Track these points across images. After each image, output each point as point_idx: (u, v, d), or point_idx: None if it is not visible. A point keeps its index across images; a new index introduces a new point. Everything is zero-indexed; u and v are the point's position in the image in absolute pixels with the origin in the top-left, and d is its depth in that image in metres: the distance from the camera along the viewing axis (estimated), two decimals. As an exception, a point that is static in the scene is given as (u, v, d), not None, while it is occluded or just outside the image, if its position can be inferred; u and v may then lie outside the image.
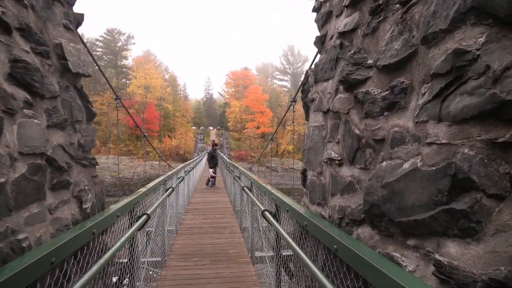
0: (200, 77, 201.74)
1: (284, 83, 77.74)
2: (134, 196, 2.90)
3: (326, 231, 1.60)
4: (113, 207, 2.43)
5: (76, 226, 1.96)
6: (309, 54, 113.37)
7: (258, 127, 52.94)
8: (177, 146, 47.55)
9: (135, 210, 2.84)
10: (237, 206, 8.53)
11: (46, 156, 2.25)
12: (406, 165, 1.33)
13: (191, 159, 24.45)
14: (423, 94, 1.27)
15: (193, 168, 11.18)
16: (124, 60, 61.12)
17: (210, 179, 12.74)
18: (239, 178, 7.05)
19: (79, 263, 1.94)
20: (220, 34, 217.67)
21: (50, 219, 2.28)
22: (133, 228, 2.60)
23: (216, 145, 14.31)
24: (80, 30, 3.14)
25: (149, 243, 4.03)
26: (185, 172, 8.31)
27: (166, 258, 4.64)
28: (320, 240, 1.73)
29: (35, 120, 2.13)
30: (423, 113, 1.27)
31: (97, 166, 3.02)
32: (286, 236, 2.17)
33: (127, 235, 2.35)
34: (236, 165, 8.15)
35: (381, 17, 1.57)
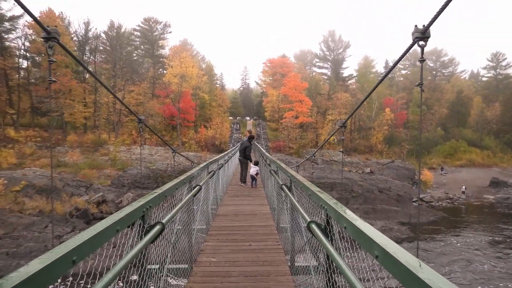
0: (237, 67, 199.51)
1: (324, 70, 73.56)
2: None
3: None
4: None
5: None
6: (351, 39, 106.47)
7: (296, 117, 49.69)
8: (212, 137, 45.88)
9: None
10: (282, 222, 5.87)
11: None
12: None
13: (226, 150, 21.88)
14: None
15: (223, 165, 8.59)
16: (161, 50, 60.41)
17: (255, 176, 10.98)
18: (288, 188, 4.35)
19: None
20: (258, 22, 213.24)
21: None
22: None
23: (253, 137, 11.93)
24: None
25: None
26: (209, 173, 5.75)
27: None
28: None
29: None
30: None
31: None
32: None
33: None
34: (283, 165, 5.42)
35: None
